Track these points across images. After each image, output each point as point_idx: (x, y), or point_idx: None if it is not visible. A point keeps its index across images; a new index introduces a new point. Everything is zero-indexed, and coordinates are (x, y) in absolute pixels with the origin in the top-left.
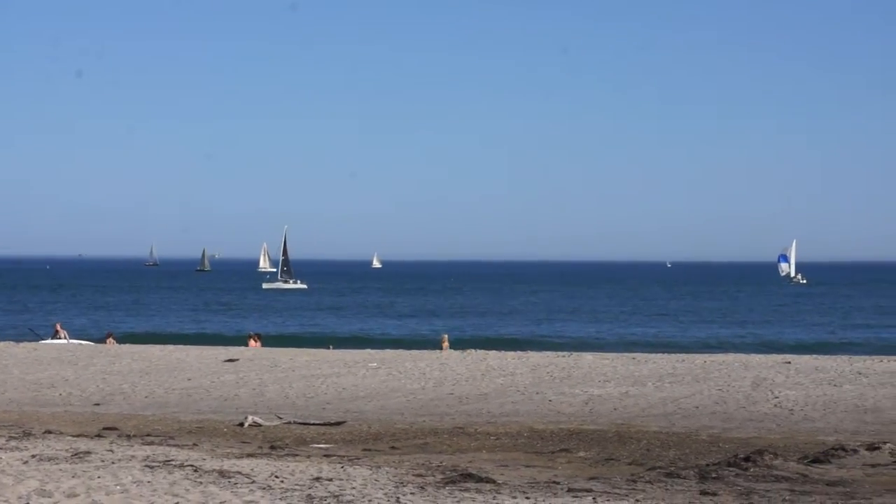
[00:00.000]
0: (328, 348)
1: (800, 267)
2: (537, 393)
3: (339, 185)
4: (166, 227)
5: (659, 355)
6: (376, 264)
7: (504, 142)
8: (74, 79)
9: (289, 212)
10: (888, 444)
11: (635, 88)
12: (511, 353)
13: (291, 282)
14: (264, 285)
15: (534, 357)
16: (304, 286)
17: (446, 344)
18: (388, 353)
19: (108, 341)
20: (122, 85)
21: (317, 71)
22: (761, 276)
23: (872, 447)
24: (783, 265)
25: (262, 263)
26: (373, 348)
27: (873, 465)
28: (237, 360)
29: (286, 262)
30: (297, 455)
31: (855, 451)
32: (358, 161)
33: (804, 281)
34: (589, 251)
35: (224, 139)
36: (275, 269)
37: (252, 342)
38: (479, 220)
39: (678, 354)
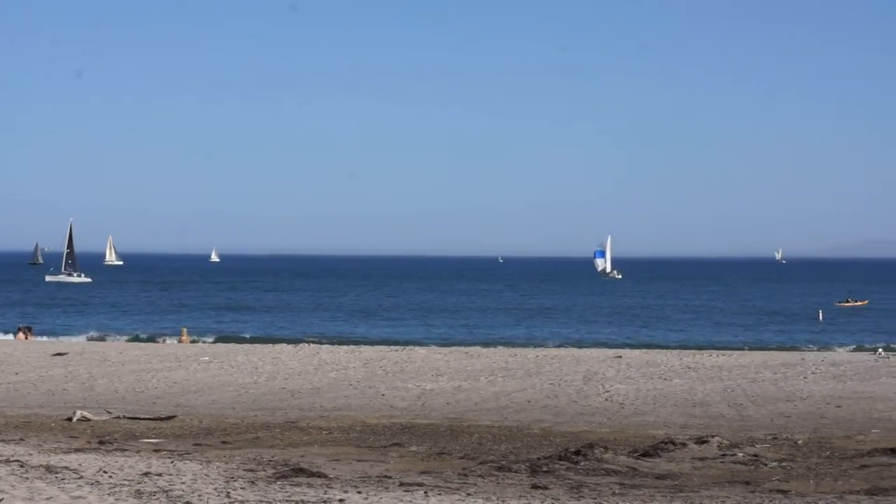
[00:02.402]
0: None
1: (615, 262)
2: (370, 387)
3: (339, 185)
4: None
5: (491, 350)
6: (214, 259)
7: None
8: (74, 79)
9: (286, 211)
10: (716, 438)
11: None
12: (344, 347)
13: (75, 275)
14: (48, 278)
15: (367, 351)
16: (89, 280)
17: (185, 337)
18: (220, 347)
19: None
20: (123, 85)
21: (317, 71)
22: (578, 271)
23: (701, 441)
24: (599, 260)
25: (108, 256)
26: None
27: (702, 459)
28: (66, 353)
29: (70, 255)
30: (126, 450)
31: (684, 444)
32: (358, 161)
33: (619, 276)
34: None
35: (224, 139)
36: (121, 262)
37: (21, 335)
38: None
39: (511, 349)
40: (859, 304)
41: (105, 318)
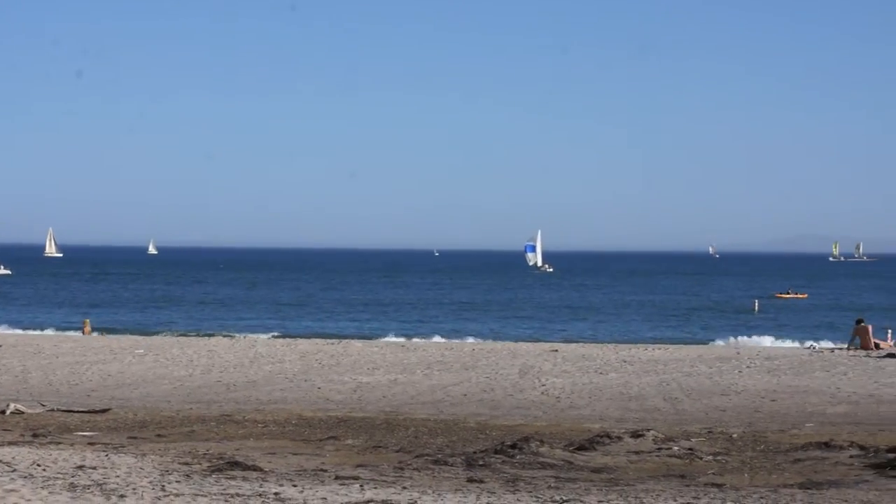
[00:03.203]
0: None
1: (546, 256)
2: (306, 380)
3: (339, 185)
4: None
5: (427, 343)
6: (152, 251)
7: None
8: (74, 79)
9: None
10: (651, 432)
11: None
12: (280, 341)
13: None
14: None
15: (303, 344)
16: (9, 272)
17: (88, 328)
18: (156, 340)
19: None
20: (122, 85)
21: (317, 71)
22: (508, 264)
23: (636, 434)
24: (530, 254)
25: (47, 248)
26: None
27: (637, 452)
28: (0, 345)
29: None
30: (60, 443)
31: (619, 438)
32: (358, 161)
33: (550, 269)
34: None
35: (224, 139)
36: (61, 254)
37: None
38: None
39: (447, 341)
40: (799, 296)
41: (13, 311)
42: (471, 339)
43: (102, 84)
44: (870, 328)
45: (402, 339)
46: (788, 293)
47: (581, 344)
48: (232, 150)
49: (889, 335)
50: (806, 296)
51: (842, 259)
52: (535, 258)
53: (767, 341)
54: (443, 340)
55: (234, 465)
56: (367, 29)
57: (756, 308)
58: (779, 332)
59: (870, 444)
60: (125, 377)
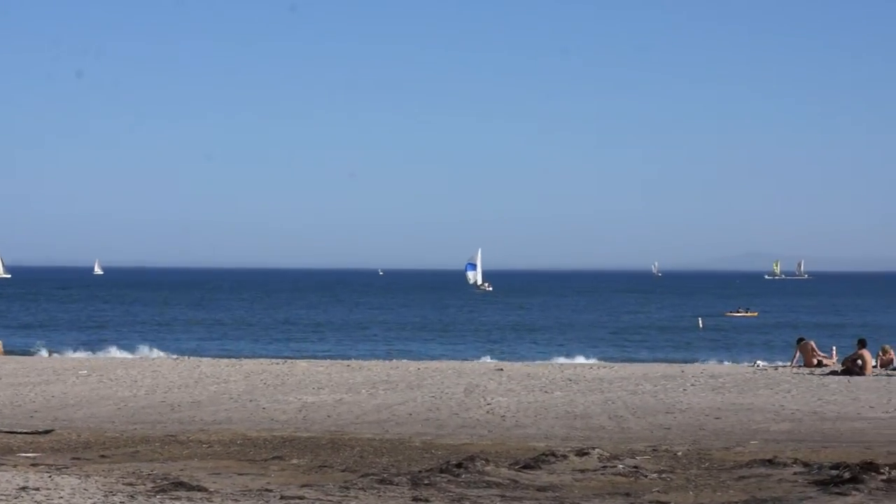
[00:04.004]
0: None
1: (486, 275)
2: (251, 400)
3: (339, 186)
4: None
5: (373, 362)
6: (98, 271)
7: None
8: (74, 79)
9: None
10: (597, 450)
11: None
12: (225, 361)
13: None
14: None
15: (248, 364)
16: None
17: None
18: (100, 360)
19: None
20: (122, 85)
21: (317, 71)
22: (449, 283)
23: (582, 453)
24: (470, 273)
25: None
26: None
27: (582, 471)
28: None
29: None
30: (2, 464)
31: (565, 456)
32: (358, 161)
33: (490, 288)
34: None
35: (224, 139)
36: (9, 276)
37: None
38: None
39: (392, 361)
40: (750, 314)
41: None
42: (405, 361)
43: (103, 84)
44: (812, 344)
45: (347, 360)
46: (739, 312)
47: (526, 363)
48: (231, 151)
49: (834, 352)
50: (756, 314)
51: (783, 277)
52: (476, 277)
53: (712, 360)
54: (387, 361)
55: (179, 485)
56: (367, 29)
57: (701, 325)
58: (724, 350)
59: (813, 460)
60: (68, 398)
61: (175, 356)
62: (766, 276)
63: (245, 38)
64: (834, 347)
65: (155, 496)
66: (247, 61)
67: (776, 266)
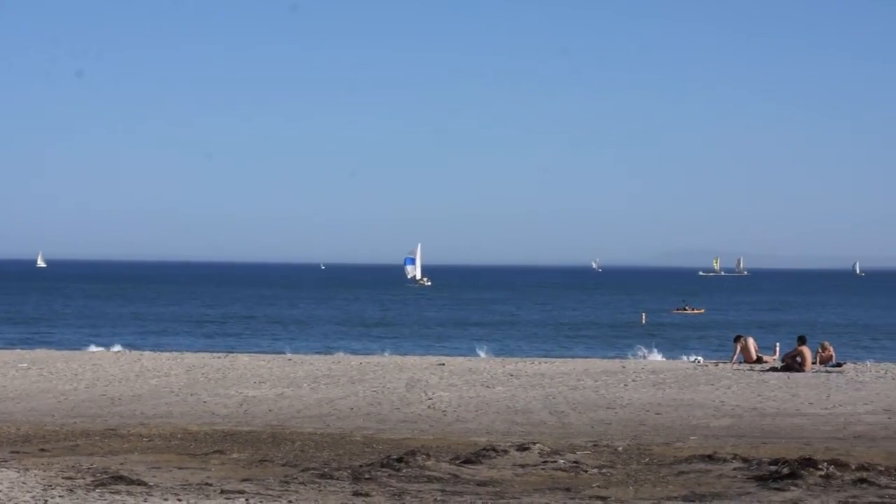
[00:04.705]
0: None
1: (426, 269)
2: (192, 394)
3: (338, 185)
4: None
5: (315, 356)
6: (41, 263)
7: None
8: (74, 79)
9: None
10: (537, 445)
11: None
12: (166, 355)
13: None
14: None
15: (189, 358)
16: None
17: None
18: (40, 353)
19: None
20: (122, 85)
21: (317, 71)
22: (388, 278)
23: (522, 448)
24: (409, 267)
25: None
26: None
27: (523, 466)
28: None
29: None
30: None
31: (505, 451)
32: (358, 161)
33: (429, 283)
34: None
35: (224, 139)
36: None
37: None
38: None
39: (334, 356)
40: (696, 311)
41: None
42: (341, 353)
43: (103, 84)
44: (751, 341)
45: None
46: (685, 308)
47: (468, 358)
48: (230, 151)
49: (777, 349)
50: (703, 311)
51: (722, 273)
52: (414, 271)
53: (655, 355)
54: (328, 356)
55: (119, 479)
56: (367, 28)
57: (643, 321)
58: (665, 346)
59: (752, 456)
60: (8, 391)
61: (116, 349)
62: (701, 273)
63: (245, 38)
64: (778, 344)
65: (94, 490)
66: (247, 61)
67: (716, 262)
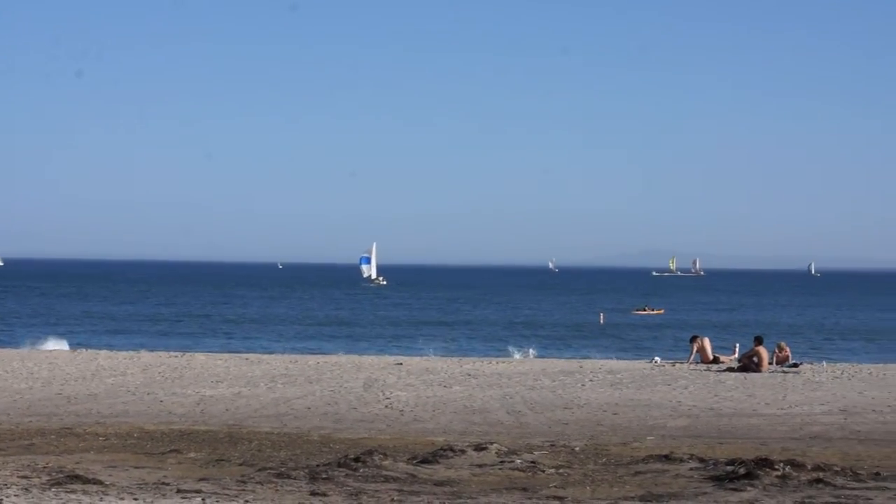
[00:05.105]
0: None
1: (382, 269)
2: (148, 393)
3: (339, 185)
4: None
5: (272, 356)
6: None
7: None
8: (74, 79)
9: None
10: (495, 445)
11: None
12: (123, 353)
13: None
14: None
15: (146, 357)
16: None
17: None
18: None
19: None
20: (122, 85)
21: (317, 71)
22: (344, 278)
23: (480, 447)
24: (364, 267)
25: None
26: None
27: (480, 466)
28: None
29: None
30: None
31: (463, 451)
32: (358, 161)
33: (384, 282)
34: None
35: (224, 139)
36: None
37: None
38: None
39: (291, 355)
40: (656, 312)
41: None
42: (304, 355)
43: (103, 84)
44: (706, 341)
45: (245, 354)
46: (645, 309)
47: (425, 357)
48: (230, 151)
49: (736, 349)
50: (663, 311)
51: (678, 273)
52: (370, 270)
53: (611, 356)
54: (286, 355)
55: (75, 478)
56: (367, 28)
57: (602, 321)
58: (622, 346)
59: (709, 456)
60: None
61: (72, 348)
62: (654, 273)
63: (245, 38)
64: (737, 344)
65: (50, 489)
66: (247, 61)
67: (672, 262)
